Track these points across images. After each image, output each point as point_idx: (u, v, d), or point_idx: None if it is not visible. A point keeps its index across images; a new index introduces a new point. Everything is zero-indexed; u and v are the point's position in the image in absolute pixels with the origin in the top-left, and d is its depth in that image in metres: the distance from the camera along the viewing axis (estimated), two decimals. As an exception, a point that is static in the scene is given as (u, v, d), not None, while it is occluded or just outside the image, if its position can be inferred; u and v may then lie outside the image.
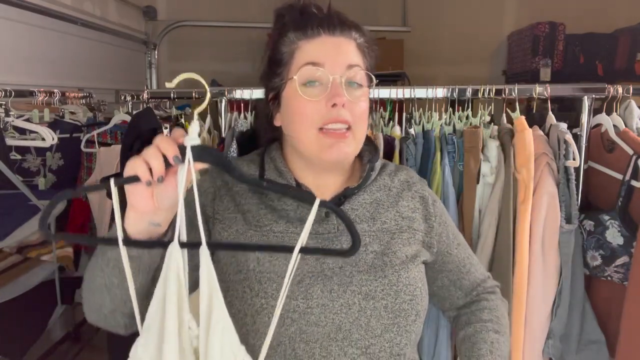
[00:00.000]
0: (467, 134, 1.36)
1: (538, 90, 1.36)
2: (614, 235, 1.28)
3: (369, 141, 0.95)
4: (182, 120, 1.72)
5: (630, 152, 1.28)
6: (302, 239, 0.64)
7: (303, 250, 0.62)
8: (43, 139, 1.69)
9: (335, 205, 0.86)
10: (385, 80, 2.72)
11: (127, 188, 0.65)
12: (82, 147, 1.99)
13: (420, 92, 1.41)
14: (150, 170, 0.63)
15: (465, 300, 1.00)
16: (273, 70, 0.89)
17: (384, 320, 0.81)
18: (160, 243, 0.67)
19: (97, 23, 2.52)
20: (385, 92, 1.41)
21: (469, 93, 1.40)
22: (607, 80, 1.55)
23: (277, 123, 0.90)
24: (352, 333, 0.80)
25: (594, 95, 1.36)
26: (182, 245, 0.63)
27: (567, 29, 2.85)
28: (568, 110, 2.11)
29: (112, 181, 0.63)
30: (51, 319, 2.00)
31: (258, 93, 1.44)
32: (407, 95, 1.41)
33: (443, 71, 3.10)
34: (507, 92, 1.38)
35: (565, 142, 1.30)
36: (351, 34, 0.85)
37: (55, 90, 1.90)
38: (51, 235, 0.81)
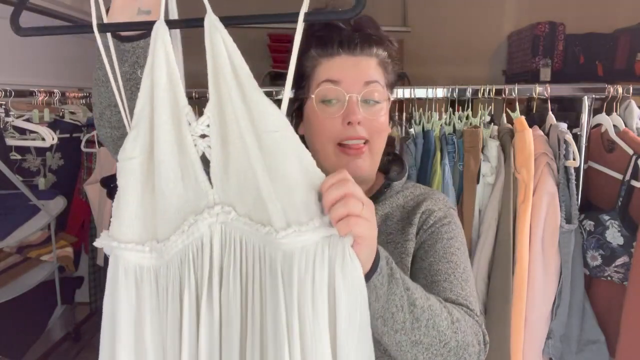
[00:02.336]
0: (467, 134, 1.36)
1: (538, 90, 1.36)
2: (614, 235, 1.28)
3: (400, 161, 0.98)
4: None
5: (630, 152, 1.28)
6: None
7: (307, 16, 0.52)
8: (43, 139, 1.69)
9: None
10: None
11: None
12: (82, 147, 1.99)
13: (420, 92, 1.41)
14: None
15: None
16: (297, 82, 0.90)
17: (377, 330, 0.78)
18: (142, 23, 0.57)
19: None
20: (385, 92, 1.41)
21: (469, 93, 1.40)
22: (607, 80, 1.55)
23: (300, 132, 0.93)
24: None
25: (594, 95, 1.36)
26: (170, 23, 0.53)
27: (567, 29, 2.85)
28: (568, 110, 2.11)
29: None
30: (51, 319, 2.00)
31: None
32: (407, 95, 1.41)
33: (443, 71, 3.10)
34: (507, 92, 1.38)
35: (565, 142, 1.30)
36: (372, 51, 0.86)
37: (55, 90, 1.90)
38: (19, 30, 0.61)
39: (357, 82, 0.83)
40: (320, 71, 0.86)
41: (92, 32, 0.55)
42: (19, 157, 1.87)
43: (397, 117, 1.52)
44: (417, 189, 0.96)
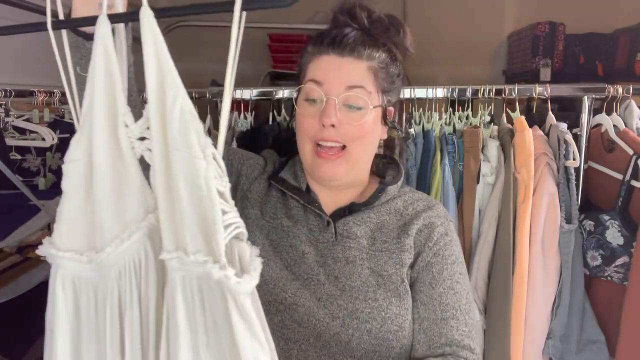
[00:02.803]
0: (467, 134, 1.36)
1: (538, 90, 1.36)
2: (614, 235, 1.28)
3: (396, 165, 0.97)
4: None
5: (630, 152, 1.28)
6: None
7: (245, 3, 0.46)
8: (43, 139, 1.69)
9: (339, 217, 0.88)
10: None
11: None
12: (82, 147, 1.99)
13: (420, 92, 1.41)
14: None
15: (424, 352, 0.83)
16: (297, 77, 0.91)
17: (365, 345, 0.79)
18: (86, 19, 0.53)
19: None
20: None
21: (469, 93, 1.40)
22: (607, 80, 1.55)
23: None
24: (331, 346, 0.79)
25: (594, 95, 1.36)
26: (112, 17, 0.50)
27: (567, 29, 2.84)
28: (568, 110, 2.11)
29: None
30: (51, 319, 2.00)
31: (258, 93, 1.44)
32: (407, 95, 1.41)
33: (443, 71, 3.10)
34: (507, 92, 1.38)
35: (565, 142, 1.30)
36: (362, 54, 0.83)
37: (55, 90, 1.90)
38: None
39: (338, 85, 0.82)
40: (310, 69, 0.86)
41: (47, 30, 0.53)
42: (19, 157, 1.87)
43: (396, 119, 1.52)
44: (415, 195, 0.94)
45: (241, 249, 0.49)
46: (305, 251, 0.85)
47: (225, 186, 0.48)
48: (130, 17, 0.48)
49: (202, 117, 1.70)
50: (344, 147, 0.84)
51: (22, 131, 1.75)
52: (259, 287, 0.82)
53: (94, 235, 0.53)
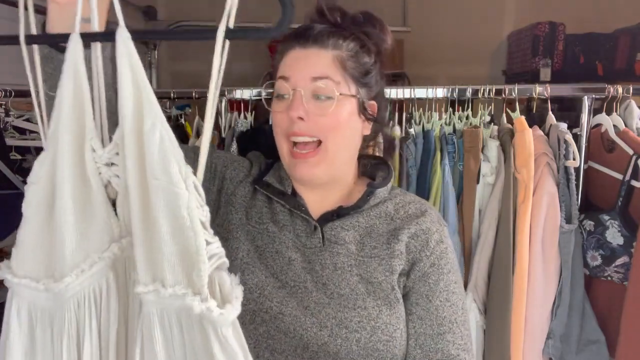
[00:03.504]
0: (467, 134, 1.36)
1: (538, 90, 1.36)
2: (614, 235, 1.28)
3: (386, 166, 0.94)
4: (182, 120, 1.71)
5: (630, 152, 1.28)
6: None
7: (229, 33, 0.46)
8: (43, 139, 1.69)
9: (326, 222, 0.85)
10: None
11: None
12: (82, 147, 1.99)
13: (420, 92, 1.41)
14: None
15: None
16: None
17: (354, 356, 0.76)
18: (60, 35, 0.51)
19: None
20: (385, 92, 1.41)
21: (469, 93, 1.40)
22: (607, 80, 1.55)
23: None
24: (319, 356, 0.76)
25: (594, 95, 1.36)
26: (86, 36, 0.47)
27: (567, 29, 2.84)
28: (568, 110, 2.11)
29: None
30: (51, 319, 2.00)
31: (258, 93, 1.44)
32: (407, 95, 1.41)
33: (443, 71, 3.10)
34: (507, 92, 1.38)
35: (565, 142, 1.30)
36: (326, 44, 0.81)
37: (55, 90, 1.90)
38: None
39: (304, 78, 0.80)
40: (280, 67, 0.85)
41: (19, 44, 0.50)
42: (19, 157, 1.87)
43: (397, 117, 1.52)
44: (407, 197, 0.91)
45: (221, 278, 0.47)
46: (292, 257, 0.82)
47: (206, 215, 0.47)
48: (105, 37, 0.46)
49: (202, 117, 1.70)
50: (319, 143, 0.82)
51: (22, 131, 1.75)
52: (243, 296, 0.81)
53: (52, 263, 0.51)
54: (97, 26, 0.48)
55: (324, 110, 0.80)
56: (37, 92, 0.53)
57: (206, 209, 0.47)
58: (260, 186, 0.89)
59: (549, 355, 1.35)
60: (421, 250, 0.84)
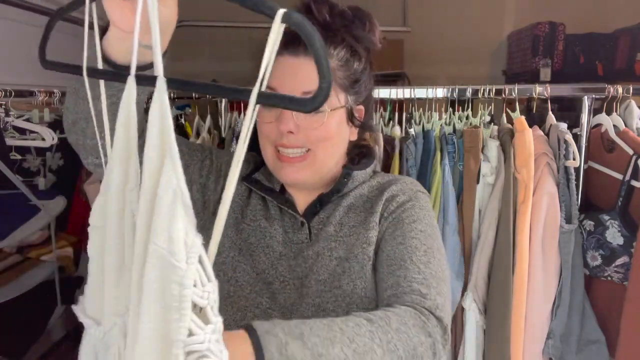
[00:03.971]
0: (467, 134, 1.36)
1: (538, 90, 1.36)
2: (614, 235, 1.28)
3: (369, 152, 0.93)
4: (182, 120, 1.71)
5: (630, 152, 1.28)
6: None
7: (261, 97, 0.44)
8: (43, 139, 1.69)
9: (312, 215, 0.86)
10: (385, 80, 2.72)
11: (105, 2, 0.53)
12: (82, 147, 1.98)
13: (420, 92, 1.41)
14: None
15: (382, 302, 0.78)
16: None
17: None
18: (120, 75, 0.50)
19: (97, 23, 2.53)
20: (385, 92, 1.41)
21: (469, 93, 1.40)
22: (607, 80, 1.55)
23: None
24: None
25: (594, 95, 1.36)
26: (139, 79, 0.46)
27: (567, 29, 2.84)
28: (568, 110, 2.11)
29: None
30: (51, 319, 2.00)
31: (258, 93, 1.44)
32: (407, 95, 1.41)
33: (443, 71, 3.10)
34: (507, 92, 1.38)
35: (565, 142, 1.30)
36: None
37: (55, 90, 1.90)
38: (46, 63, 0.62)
39: (294, 91, 0.77)
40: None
41: (81, 74, 0.51)
42: (19, 157, 1.87)
43: (397, 117, 1.52)
44: (385, 178, 0.91)
45: None
46: (282, 252, 0.84)
47: (207, 298, 0.41)
48: (151, 82, 0.44)
49: (202, 118, 1.70)
50: (308, 149, 0.81)
51: (22, 131, 1.75)
52: (234, 293, 0.80)
53: (101, 307, 0.51)
54: (160, 64, 0.45)
55: (314, 124, 0.79)
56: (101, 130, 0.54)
57: (210, 288, 0.41)
58: (248, 183, 0.90)
59: (549, 355, 1.35)
60: (387, 213, 0.84)
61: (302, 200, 0.89)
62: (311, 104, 0.42)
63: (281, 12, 0.41)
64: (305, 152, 0.81)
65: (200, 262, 0.41)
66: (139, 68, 0.57)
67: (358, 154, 0.94)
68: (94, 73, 0.53)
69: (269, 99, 0.44)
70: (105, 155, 0.52)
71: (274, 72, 0.80)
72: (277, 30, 0.42)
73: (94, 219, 0.50)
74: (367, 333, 0.62)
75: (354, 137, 0.89)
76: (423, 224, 0.82)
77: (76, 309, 0.53)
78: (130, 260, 0.46)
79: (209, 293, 0.41)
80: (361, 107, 0.88)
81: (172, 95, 1.52)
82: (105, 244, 0.48)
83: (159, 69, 0.42)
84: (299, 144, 0.80)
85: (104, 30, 0.58)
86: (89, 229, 0.51)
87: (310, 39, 0.42)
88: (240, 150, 0.44)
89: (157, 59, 0.42)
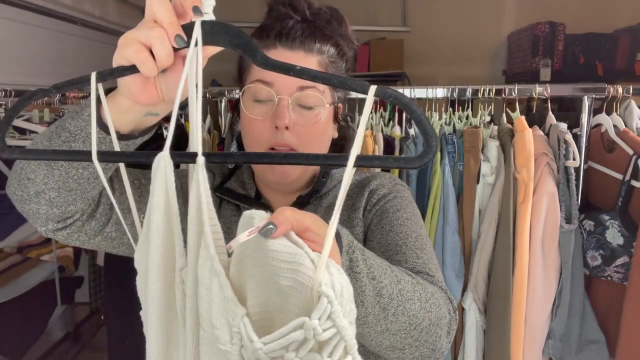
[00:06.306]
0: (467, 134, 1.36)
1: (538, 90, 1.36)
2: (614, 235, 1.28)
3: (342, 149, 0.91)
4: (182, 120, 1.71)
5: (630, 152, 1.28)
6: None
7: (360, 159, 0.41)
8: (43, 139, 1.69)
9: None
10: (385, 80, 2.72)
11: (128, 78, 0.51)
12: (82, 147, 1.98)
13: (420, 92, 1.41)
14: (153, 54, 0.48)
15: None
16: (238, 74, 0.84)
17: None
18: (140, 155, 0.48)
19: (97, 23, 2.52)
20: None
21: (469, 93, 1.40)
22: (607, 80, 1.55)
23: (238, 128, 0.87)
24: None
25: (594, 95, 1.36)
26: (175, 156, 0.44)
27: (567, 29, 2.85)
28: (568, 110, 2.11)
29: (93, 76, 0.48)
30: (51, 319, 2.00)
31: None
32: (407, 95, 1.41)
33: (443, 71, 3.10)
34: (507, 92, 1.38)
35: (565, 142, 1.30)
36: (313, 47, 0.77)
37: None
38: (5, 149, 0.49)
39: (289, 85, 0.75)
40: (255, 67, 0.76)
41: (90, 160, 0.47)
42: (19, 157, 1.87)
43: (397, 117, 1.52)
44: (362, 175, 0.90)
45: None
46: None
47: None
48: (186, 158, 0.44)
49: (202, 118, 1.70)
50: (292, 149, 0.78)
51: (22, 131, 1.75)
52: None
53: None
54: (199, 142, 0.44)
55: (309, 121, 0.77)
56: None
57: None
58: (221, 193, 0.87)
59: (549, 355, 1.35)
60: (370, 206, 0.83)
61: (279, 204, 0.85)
62: (419, 161, 0.42)
63: (373, 88, 0.41)
64: (290, 149, 0.79)
65: (239, 334, 0.40)
66: (141, 132, 0.58)
67: (332, 151, 0.91)
68: (105, 157, 0.48)
69: (371, 162, 0.43)
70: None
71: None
72: (370, 104, 0.41)
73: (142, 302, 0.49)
74: (410, 283, 0.62)
75: (336, 135, 0.88)
76: (407, 212, 0.82)
77: None
78: (184, 345, 0.46)
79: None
80: (341, 105, 0.88)
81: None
82: (149, 335, 0.47)
83: (198, 147, 0.42)
84: (290, 143, 0.77)
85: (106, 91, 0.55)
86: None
87: (409, 107, 0.42)
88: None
89: (197, 136, 0.42)
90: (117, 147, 0.53)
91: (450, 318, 0.67)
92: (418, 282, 0.64)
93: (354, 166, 0.41)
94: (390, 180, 0.87)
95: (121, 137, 0.57)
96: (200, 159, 0.42)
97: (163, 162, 0.43)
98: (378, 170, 0.93)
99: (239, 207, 0.87)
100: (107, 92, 0.54)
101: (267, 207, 0.85)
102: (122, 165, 0.53)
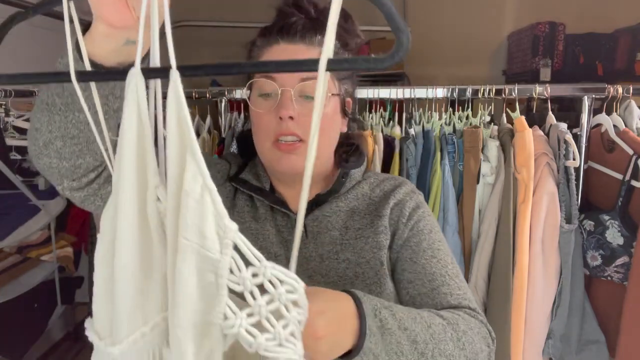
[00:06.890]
0: (467, 134, 1.36)
1: (538, 90, 1.36)
2: (614, 235, 1.28)
3: (356, 149, 0.93)
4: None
5: (630, 152, 1.28)
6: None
7: (332, 63, 0.41)
8: (43, 139, 1.69)
9: (307, 213, 0.84)
10: (385, 80, 2.72)
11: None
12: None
13: (420, 92, 1.41)
14: None
15: None
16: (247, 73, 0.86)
17: None
18: (116, 72, 0.47)
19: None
20: (385, 92, 1.41)
21: (469, 93, 1.40)
22: (607, 80, 1.55)
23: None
24: None
25: (594, 95, 1.36)
26: (146, 72, 0.42)
27: (567, 29, 2.85)
28: (568, 110, 2.11)
29: None
30: (51, 319, 2.00)
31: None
32: (407, 95, 1.41)
33: (443, 71, 3.10)
34: (507, 92, 1.38)
35: (565, 142, 1.30)
36: (314, 41, 0.80)
37: (55, 90, 1.90)
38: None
39: (292, 78, 0.78)
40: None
41: (69, 81, 0.45)
42: (19, 157, 1.87)
43: (397, 117, 1.52)
44: (380, 176, 0.92)
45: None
46: (277, 253, 0.82)
47: (244, 283, 0.41)
48: (164, 74, 0.41)
49: (202, 118, 1.70)
50: (300, 140, 0.80)
51: (22, 131, 1.75)
52: None
53: (112, 322, 0.48)
54: (157, 56, 0.42)
55: (312, 111, 0.79)
56: (101, 131, 0.50)
57: (246, 273, 0.42)
58: (237, 183, 0.88)
59: (549, 355, 1.35)
60: (398, 220, 0.84)
61: (294, 200, 0.87)
62: (390, 60, 0.41)
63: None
64: (298, 142, 0.80)
65: (237, 247, 0.41)
66: (127, 67, 0.57)
67: (346, 151, 0.93)
68: (83, 77, 0.47)
69: (341, 64, 0.41)
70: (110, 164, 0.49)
71: (271, 60, 0.79)
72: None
73: (101, 227, 0.48)
74: (440, 325, 0.67)
75: (345, 129, 0.90)
76: (437, 233, 0.86)
77: (86, 322, 0.51)
78: (159, 261, 0.46)
79: (246, 279, 0.42)
80: (350, 100, 0.89)
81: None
82: (120, 255, 0.45)
83: (172, 61, 0.40)
84: (298, 132, 0.78)
85: (84, 27, 0.54)
86: (98, 235, 0.49)
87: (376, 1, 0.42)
88: (313, 133, 0.44)
89: (170, 48, 0.39)
90: (88, 66, 0.51)
91: (489, 351, 0.73)
92: (448, 322, 0.68)
93: (326, 70, 0.40)
94: (411, 189, 0.90)
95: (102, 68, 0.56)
96: (175, 73, 0.40)
97: (137, 79, 0.42)
98: (394, 176, 0.95)
99: (252, 198, 0.88)
100: (89, 26, 0.54)
101: (282, 202, 0.86)
102: (93, 85, 0.51)
